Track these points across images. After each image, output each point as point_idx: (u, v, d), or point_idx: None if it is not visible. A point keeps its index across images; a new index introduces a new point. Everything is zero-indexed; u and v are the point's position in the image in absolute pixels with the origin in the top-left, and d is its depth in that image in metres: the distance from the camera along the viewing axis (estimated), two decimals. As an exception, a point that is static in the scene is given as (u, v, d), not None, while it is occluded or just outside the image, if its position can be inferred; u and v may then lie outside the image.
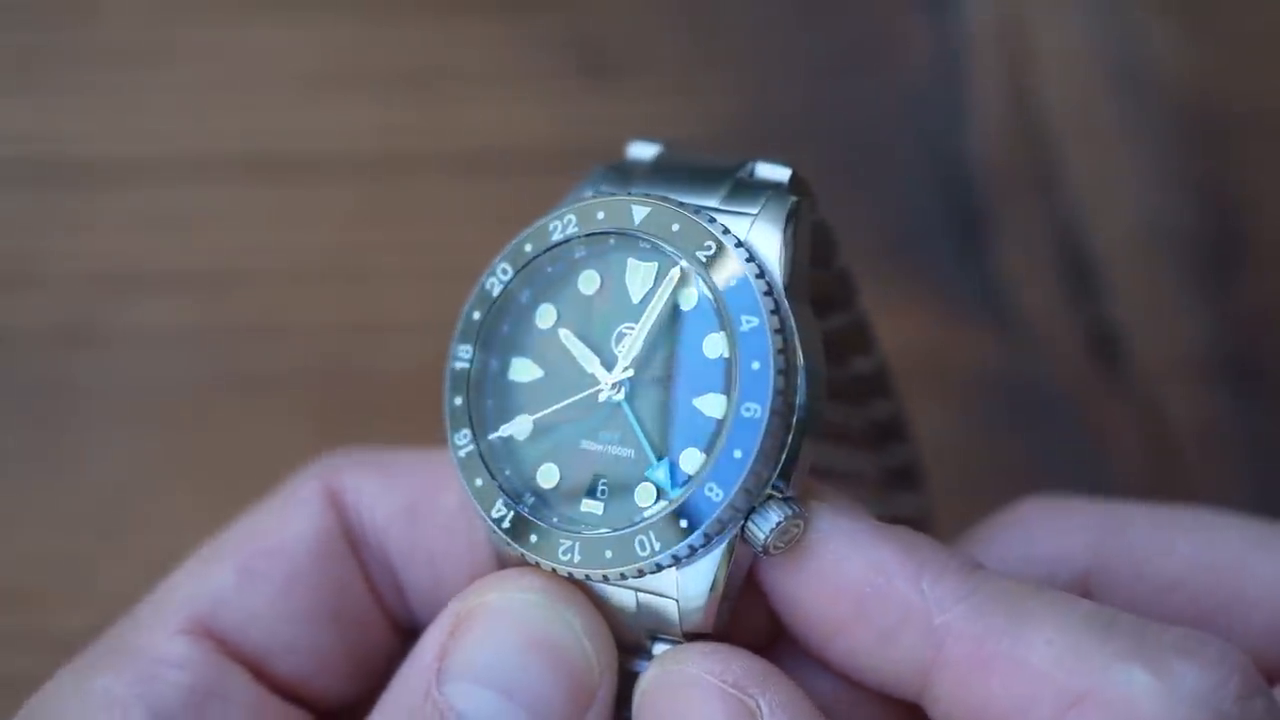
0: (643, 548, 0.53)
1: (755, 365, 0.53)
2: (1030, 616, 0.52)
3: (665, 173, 0.58)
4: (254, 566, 0.57)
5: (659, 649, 0.54)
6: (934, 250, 0.85)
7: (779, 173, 0.58)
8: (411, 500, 0.59)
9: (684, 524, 0.53)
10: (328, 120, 0.87)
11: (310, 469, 0.60)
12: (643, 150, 0.59)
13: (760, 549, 0.53)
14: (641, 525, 0.53)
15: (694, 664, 0.52)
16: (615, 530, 0.53)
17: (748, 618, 0.55)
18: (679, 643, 0.54)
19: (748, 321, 0.54)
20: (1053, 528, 0.62)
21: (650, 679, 0.53)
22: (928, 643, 0.52)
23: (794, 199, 0.56)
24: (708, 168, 0.58)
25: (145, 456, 0.81)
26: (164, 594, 0.57)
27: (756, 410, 0.53)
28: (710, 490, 0.53)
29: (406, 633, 0.60)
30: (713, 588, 0.53)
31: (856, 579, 0.53)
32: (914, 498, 0.70)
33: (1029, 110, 0.87)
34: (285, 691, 0.58)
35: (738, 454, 0.53)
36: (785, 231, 0.55)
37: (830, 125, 0.88)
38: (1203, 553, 0.60)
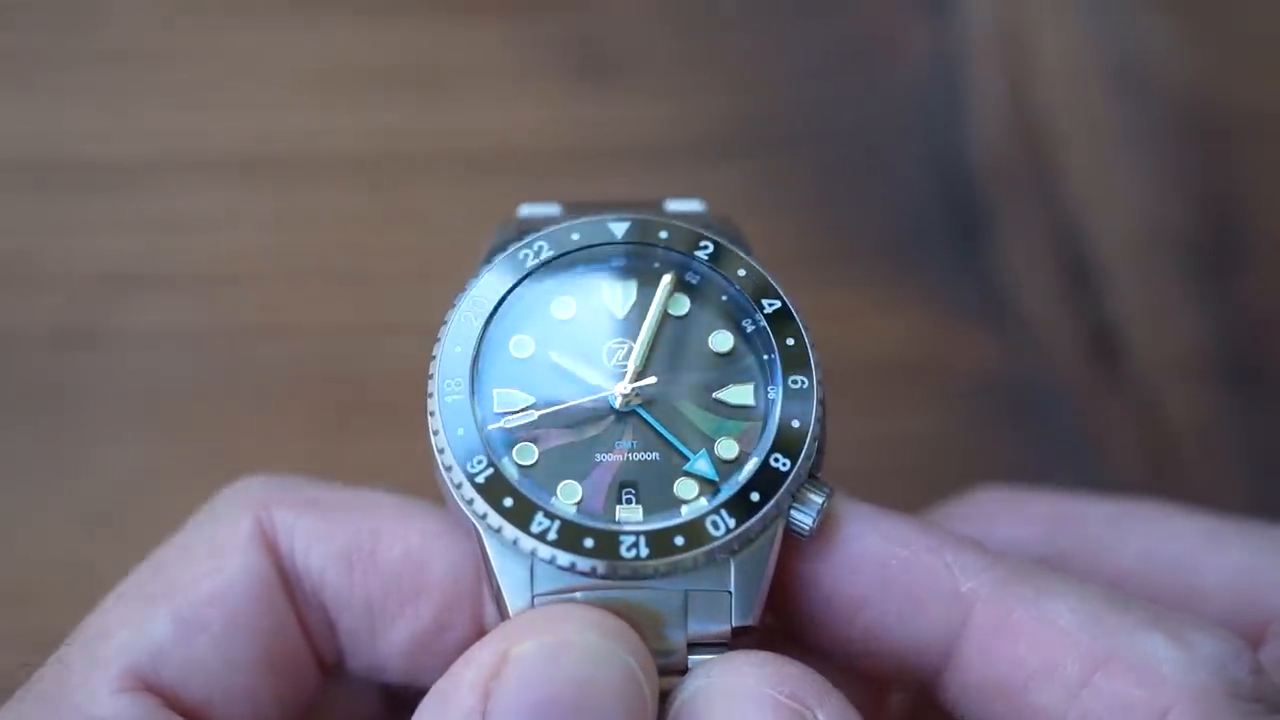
0: (716, 528, 0.53)
1: (790, 342, 0.56)
2: (1051, 587, 0.53)
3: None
4: (192, 616, 0.55)
5: (694, 660, 0.54)
6: (934, 250, 0.85)
7: (693, 204, 0.60)
8: (349, 548, 0.57)
9: (756, 497, 0.53)
10: (328, 120, 0.87)
11: (238, 496, 0.58)
12: (541, 210, 0.60)
13: (806, 533, 0.54)
14: (712, 507, 0.53)
15: (748, 674, 0.52)
16: (676, 520, 0.53)
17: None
18: (718, 650, 0.53)
19: (770, 305, 0.56)
20: (1008, 517, 0.63)
21: (698, 689, 0.52)
22: (955, 610, 0.53)
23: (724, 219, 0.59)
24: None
25: (145, 456, 0.81)
26: (97, 643, 0.55)
27: (804, 382, 0.55)
28: (777, 461, 0.54)
29: (331, 669, 0.59)
30: (763, 577, 0.54)
31: (881, 551, 0.54)
32: None
33: (1029, 110, 0.87)
34: None
35: (795, 424, 0.54)
36: (743, 242, 0.58)
37: (830, 125, 0.88)
38: (1156, 546, 0.61)
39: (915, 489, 0.69)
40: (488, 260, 0.58)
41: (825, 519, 0.54)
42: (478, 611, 0.56)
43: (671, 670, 0.53)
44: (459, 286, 0.58)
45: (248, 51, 0.88)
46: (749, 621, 0.54)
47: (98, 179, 0.85)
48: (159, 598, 0.56)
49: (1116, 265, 0.85)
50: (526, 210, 0.60)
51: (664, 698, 0.53)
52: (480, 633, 0.55)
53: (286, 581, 0.57)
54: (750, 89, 0.88)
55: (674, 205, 0.60)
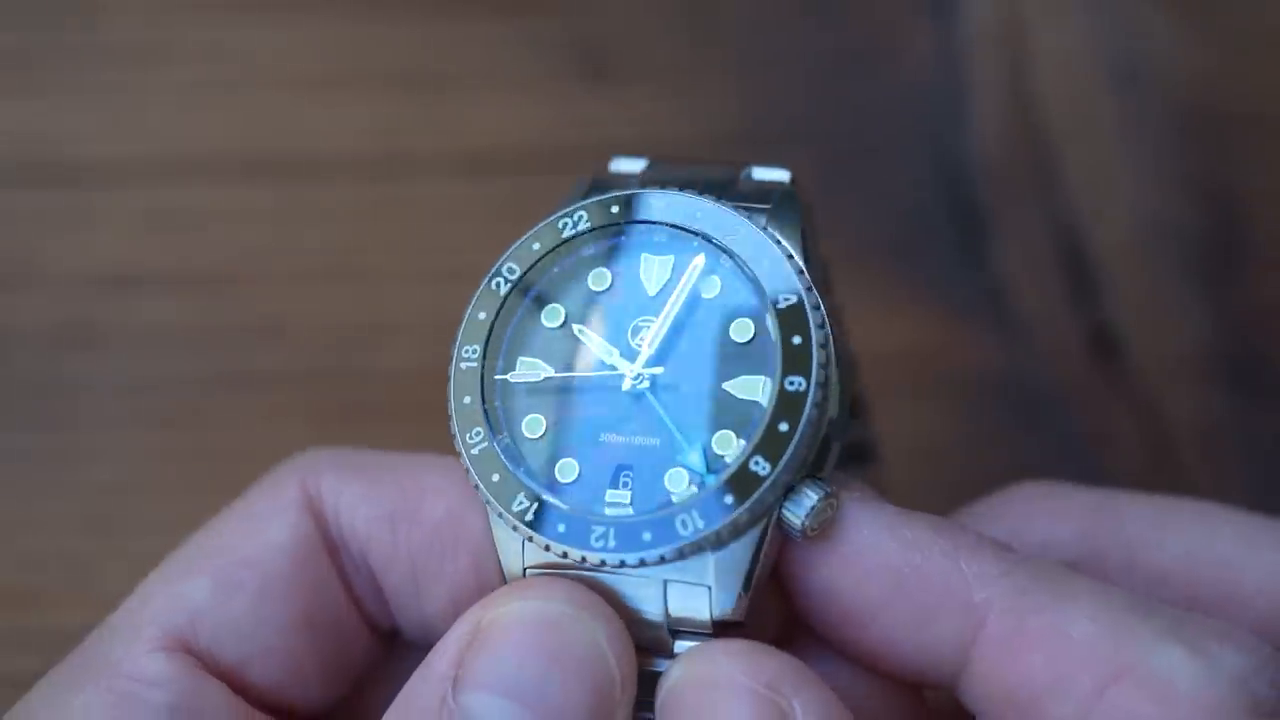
0: (685, 526, 0.52)
1: (796, 340, 0.54)
2: (1069, 594, 0.52)
3: (662, 183, 0.58)
4: (228, 577, 0.56)
5: (680, 646, 0.54)
6: (934, 250, 0.85)
7: (778, 174, 0.59)
8: (393, 507, 0.57)
9: (729, 499, 0.52)
10: (327, 120, 0.87)
11: (288, 466, 0.59)
12: (629, 165, 0.59)
13: (798, 533, 0.53)
14: (683, 503, 0.53)
15: (725, 663, 0.51)
16: (650, 512, 0.53)
17: (760, 614, 0.55)
18: (703, 639, 0.53)
19: (785, 299, 0.55)
20: (1046, 513, 0.62)
21: (678, 678, 0.52)
22: (968, 620, 0.52)
23: (800, 197, 0.57)
24: (705, 176, 0.58)
25: (145, 456, 0.81)
26: (139, 604, 0.56)
27: (801, 384, 0.53)
28: (756, 464, 0.53)
29: (387, 636, 0.60)
30: (747, 574, 0.53)
31: (894, 559, 0.53)
32: (868, 472, 0.70)
33: (1029, 110, 0.87)
34: (263, 701, 0.57)
35: (783, 427, 0.53)
36: (801, 224, 0.56)
37: (830, 125, 0.88)
38: (1196, 546, 0.60)
39: (914, 488, 0.69)
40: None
41: (828, 520, 0.53)
42: None
43: (659, 651, 0.53)
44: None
45: (248, 51, 0.88)
46: (729, 616, 0.53)
47: (98, 179, 0.85)
48: (199, 561, 0.56)
49: (1117, 264, 0.85)
50: (620, 164, 0.59)
51: (654, 680, 0.53)
52: None
53: (331, 545, 0.57)
54: (751, 88, 0.88)
55: (760, 171, 0.59)
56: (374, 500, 0.57)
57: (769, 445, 0.53)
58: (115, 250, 0.85)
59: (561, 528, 0.53)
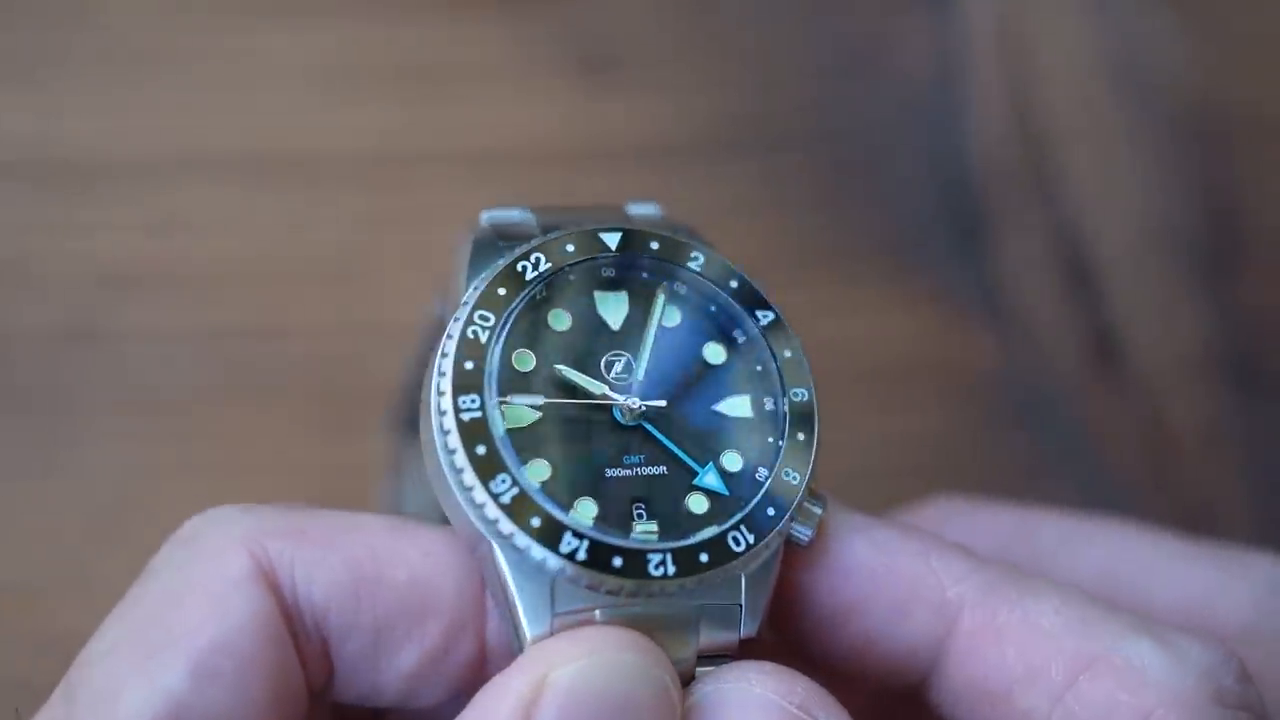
0: (738, 543, 0.53)
1: (788, 353, 0.56)
2: (1037, 590, 0.53)
3: (556, 227, 0.58)
4: (204, 665, 0.53)
5: (699, 671, 0.54)
6: (934, 250, 0.85)
7: (651, 209, 0.60)
8: (353, 574, 0.55)
9: (771, 512, 0.54)
10: (328, 120, 0.87)
11: (220, 530, 0.56)
12: (507, 215, 0.59)
13: (804, 544, 0.54)
14: (733, 523, 0.54)
15: (758, 683, 0.52)
16: (699, 537, 0.53)
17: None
18: (722, 661, 0.54)
19: (765, 316, 0.57)
20: (961, 528, 0.63)
21: (707, 694, 0.52)
22: (941, 615, 0.54)
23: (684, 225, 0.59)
24: (594, 218, 0.59)
25: (145, 457, 0.81)
26: (108, 701, 0.53)
27: (804, 394, 0.56)
28: (788, 474, 0.55)
29: (319, 696, 0.58)
30: (769, 589, 0.54)
31: (869, 559, 0.54)
32: None
33: (1029, 111, 0.87)
34: None
35: (801, 437, 0.55)
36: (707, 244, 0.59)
37: (830, 125, 0.88)
38: (1109, 563, 0.62)
39: (914, 489, 0.69)
40: (471, 267, 0.57)
41: (819, 528, 0.55)
42: (480, 631, 0.55)
43: (680, 678, 0.53)
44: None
45: (248, 51, 0.88)
46: (754, 633, 0.54)
47: (98, 179, 0.85)
48: (164, 646, 0.54)
49: (1117, 265, 0.85)
50: (494, 215, 0.59)
51: None
52: (483, 652, 0.55)
53: (287, 615, 0.55)
54: (751, 88, 0.88)
55: (634, 209, 0.60)
56: (331, 569, 0.55)
57: (793, 456, 0.55)
58: (115, 250, 0.85)
59: (618, 561, 0.53)
